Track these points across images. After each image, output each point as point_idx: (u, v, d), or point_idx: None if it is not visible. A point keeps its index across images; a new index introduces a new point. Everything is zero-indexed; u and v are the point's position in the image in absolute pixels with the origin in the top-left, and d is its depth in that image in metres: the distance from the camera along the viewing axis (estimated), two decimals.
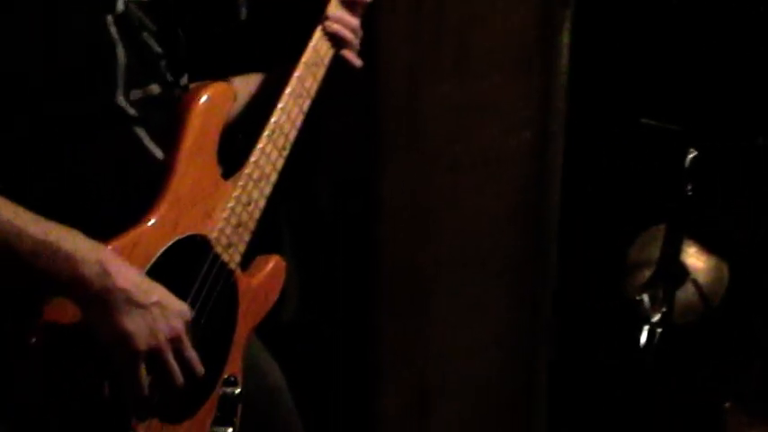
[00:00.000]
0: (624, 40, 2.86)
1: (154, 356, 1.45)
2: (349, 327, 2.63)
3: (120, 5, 1.58)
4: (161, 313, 1.46)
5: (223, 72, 1.82)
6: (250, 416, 1.73)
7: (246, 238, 1.66)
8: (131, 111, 1.56)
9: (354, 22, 1.88)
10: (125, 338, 1.41)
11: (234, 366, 1.67)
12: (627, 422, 2.81)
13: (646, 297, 2.85)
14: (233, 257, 1.64)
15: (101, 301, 1.40)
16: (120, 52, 1.56)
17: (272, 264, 1.78)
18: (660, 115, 2.80)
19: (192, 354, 1.50)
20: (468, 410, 2.70)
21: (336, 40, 1.83)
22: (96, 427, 1.47)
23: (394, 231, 2.61)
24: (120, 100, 1.56)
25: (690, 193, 2.71)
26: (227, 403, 1.65)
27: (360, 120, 2.57)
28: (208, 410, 1.62)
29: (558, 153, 2.69)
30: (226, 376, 1.66)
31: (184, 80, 1.71)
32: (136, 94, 1.59)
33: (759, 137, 2.86)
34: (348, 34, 1.86)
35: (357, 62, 1.90)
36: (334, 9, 1.85)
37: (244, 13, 2.42)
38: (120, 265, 1.43)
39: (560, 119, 2.69)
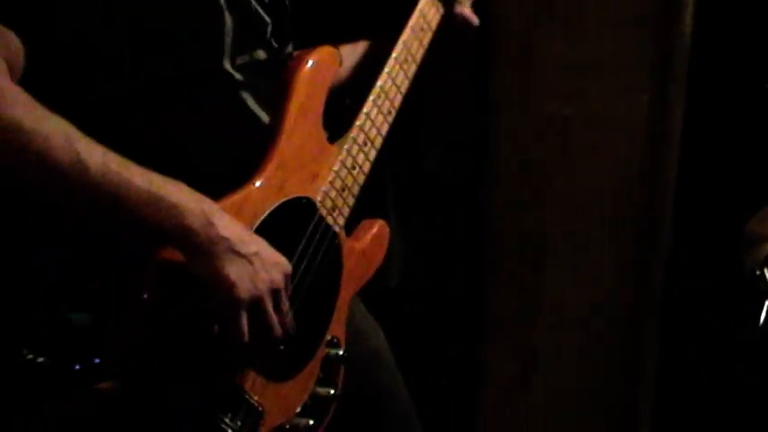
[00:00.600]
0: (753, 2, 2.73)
1: (254, 305, 1.46)
2: (457, 292, 2.61)
3: None
4: (261, 264, 1.46)
5: (329, 41, 1.77)
6: (353, 377, 1.73)
7: (351, 201, 1.67)
8: (238, 75, 1.59)
9: None
10: (227, 285, 1.43)
11: (337, 328, 1.68)
12: (741, 402, 2.69)
13: (767, 271, 2.68)
14: (337, 220, 1.65)
15: (204, 250, 1.42)
16: (228, 18, 1.57)
17: (377, 228, 1.80)
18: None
19: (285, 303, 1.50)
20: (571, 379, 2.65)
21: (445, 1, 1.82)
22: (203, 380, 1.48)
23: (504, 194, 2.57)
24: (227, 65, 1.58)
25: None
26: (329, 364, 1.66)
27: (471, 80, 2.53)
28: (311, 371, 1.63)
29: (678, 120, 2.59)
30: (329, 338, 1.66)
31: (289, 48, 1.71)
32: (243, 59, 1.61)
33: None
34: None
35: (474, 19, 1.86)
36: None
37: None
38: (224, 216, 1.44)
39: (681, 83, 2.57)
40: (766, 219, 2.77)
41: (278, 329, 1.50)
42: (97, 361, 1.44)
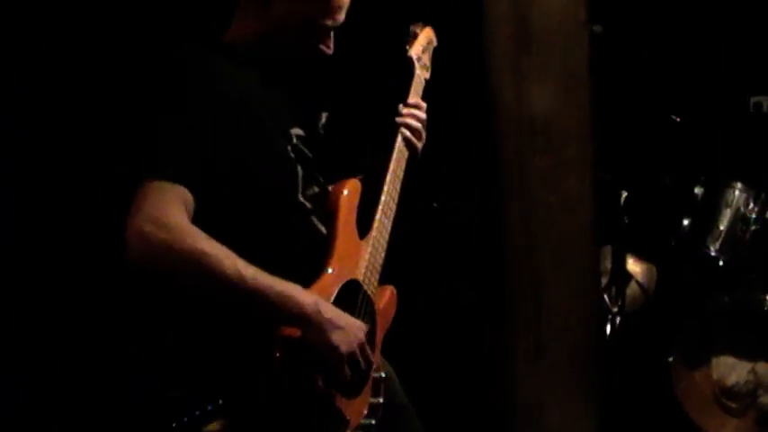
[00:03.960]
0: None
1: (351, 356, 1.97)
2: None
3: (294, 140, 2.12)
4: (351, 330, 1.98)
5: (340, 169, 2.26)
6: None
7: (377, 276, 2.21)
8: (308, 204, 2.11)
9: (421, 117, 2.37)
10: (333, 347, 1.94)
11: (377, 360, 2.18)
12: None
13: (605, 296, 3.54)
14: (371, 290, 2.16)
15: (316, 327, 1.92)
16: (299, 168, 2.11)
17: (389, 292, 2.31)
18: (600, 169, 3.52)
19: (369, 351, 2.04)
20: (565, 359, 3.23)
21: (410, 140, 2.36)
22: (316, 406, 1.96)
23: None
24: (300, 198, 2.10)
25: (626, 221, 3.54)
26: (376, 383, 2.15)
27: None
28: (367, 389, 2.11)
29: None
30: (374, 368, 2.14)
31: (322, 180, 2.21)
32: (307, 193, 2.12)
33: (665, 178, 3.68)
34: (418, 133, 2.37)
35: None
36: (407, 108, 2.35)
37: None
38: (325, 303, 1.96)
39: None
40: (601, 259, 3.59)
41: (365, 367, 2.03)
42: (210, 408, 1.95)
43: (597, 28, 3.42)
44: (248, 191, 2.01)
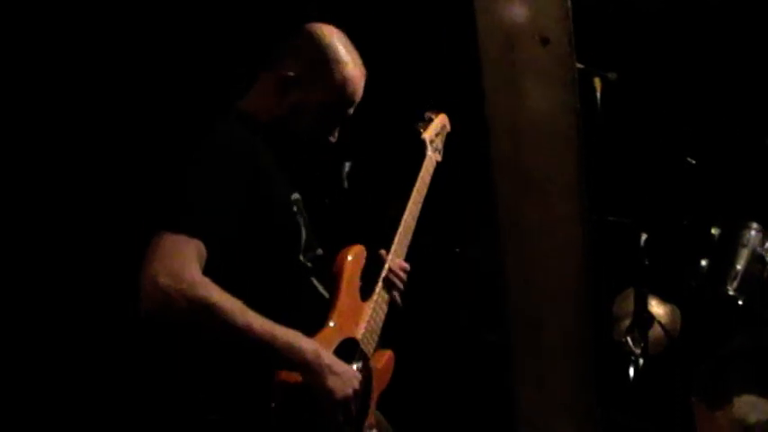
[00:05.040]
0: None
1: (345, 401, 2.10)
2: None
3: (297, 205, 2.23)
4: (346, 377, 2.11)
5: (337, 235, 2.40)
6: None
7: (376, 338, 2.35)
8: (309, 264, 2.25)
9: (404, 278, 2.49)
10: (330, 392, 2.07)
11: (371, 418, 2.34)
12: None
13: (629, 339, 3.55)
14: (369, 350, 2.31)
15: (315, 372, 2.05)
16: (303, 230, 2.24)
17: (387, 355, 2.45)
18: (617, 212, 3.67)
19: (361, 400, 2.17)
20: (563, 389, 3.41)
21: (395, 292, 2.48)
22: None
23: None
24: (302, 258, 2.24)
25: (646, 263, 3.55)
26: None
27: None
28: None
29: None
30: (367, 423, 2.30)
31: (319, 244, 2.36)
32: (310, 255, 2.26)
33: (683, 219, 3.73)
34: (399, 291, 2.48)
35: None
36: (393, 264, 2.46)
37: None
38: (324, 351, 2.09)
39: None
40: (622, 302, 3.74)
41: (355, 414, 2.14)
42: None
43: (612, 75, 3.51)
44: (257, 250, 2.11)
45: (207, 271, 1.98)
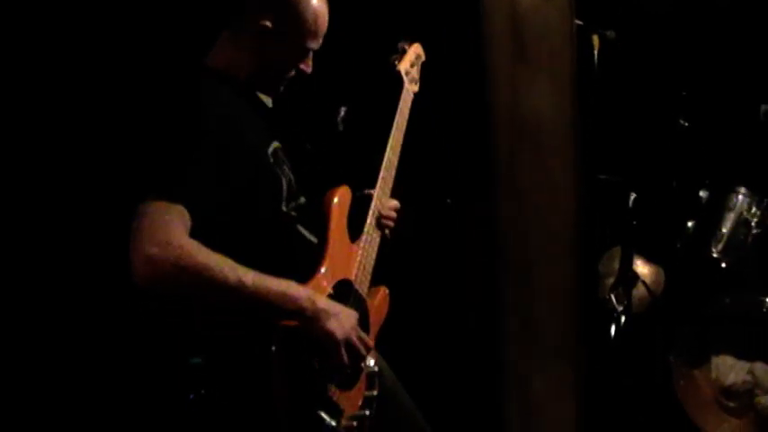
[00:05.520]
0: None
1: (347, 341, 2.12)
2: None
3: (276, 155, 2.24)
4: (344, 317, 2.14)
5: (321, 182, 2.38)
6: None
7: (369, 277, 2.39)
8: (293, 213, 2.26)
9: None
10: (329, 333, 2.10)
11: (372, 354, 2.32)
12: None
13: (612, 296, 3.61)
14: (363, 290, 2.35)
15: (312, 317, 2.08)
16: (283, 181, 2.24)
17: (381, 292, 2.48)
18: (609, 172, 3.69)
19: (363, 334, 2.18)
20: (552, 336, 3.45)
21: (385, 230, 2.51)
22: (311, 393, 2.10)
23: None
24: (285, 208, 2.24)
25: (634, 223, 3.60)
26: (371, 377, 2.30)
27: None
28: (362, 382, 2.28)
29: None
30: (366, 359, 2.27)
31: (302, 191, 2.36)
32: (293, 205, 2.27)
33: (672, 181, 3.78)
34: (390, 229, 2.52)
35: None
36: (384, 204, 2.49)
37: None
38: (319, 295, 2.13)
39: None
40: (608, 261, 3.78)
41: (362, 351, 2.16)
42: (203, 392, 2.07)
43: (610, 33, 3.51)
44: (239, 206, 2.12)
45: (192, 233, 1.99)
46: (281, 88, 2.36)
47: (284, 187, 2.25)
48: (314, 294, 2.11)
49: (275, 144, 2.27)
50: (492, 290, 3.45)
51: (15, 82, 3.08)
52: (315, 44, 2.34)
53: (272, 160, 2.23)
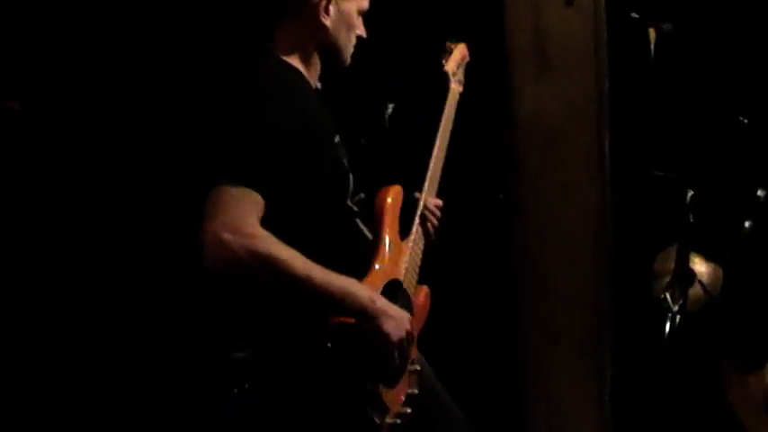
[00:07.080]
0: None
1: (400, 343, 2.16)
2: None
3: (342, 149, 2.30)
4: (400, 319, 2.17)
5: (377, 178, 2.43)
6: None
7: (416, 276, 2.42)
8: (355, 208, 2.34)
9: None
10: (386, 335, 2.13)
11: (414, 353, 2.35)
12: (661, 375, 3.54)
13: (667, 295, 3.54)
14: (410, 289, 2.36)
15: (371, 316, 2.12)
16: (350, 177, 2.32)
17: (424, 292, 2.49)
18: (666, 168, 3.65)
19: (413, 341, 2.25)
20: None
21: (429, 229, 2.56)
22: (360, 391, 2.14)
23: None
24: (349, 203, 2.32)
25: (691, 220, 3.53)
26: (414, 374, 2.32)
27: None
28: (405, 379, 2.29)
29: None
30: (411, 359, 2.32)
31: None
32: (354, 199, 2.34)
33: (727, 181, 3.70)
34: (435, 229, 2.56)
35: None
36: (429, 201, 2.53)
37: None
38: (379, 296, 2.17)
39: None
40: (664, 259, 3.70)
41: (412, 353, 2.24)
42: (246, 386, 2.11)
43: (667, 26, 3.43)
44: (312, 198, 2.17)
45: (263, 222, 2.02)
46: (349, 60, 2.38)
47: (351, 181, 2.30)
48: (374, 294, 2.15)
49: (338, 137, 2.30)
50: (513, 296, 3.48)
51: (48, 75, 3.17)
52: (365, 1, 2.40)
53: (341, 154, 2.28)
